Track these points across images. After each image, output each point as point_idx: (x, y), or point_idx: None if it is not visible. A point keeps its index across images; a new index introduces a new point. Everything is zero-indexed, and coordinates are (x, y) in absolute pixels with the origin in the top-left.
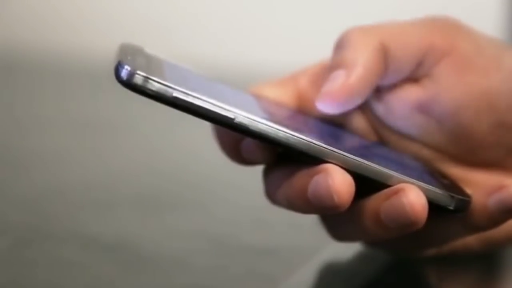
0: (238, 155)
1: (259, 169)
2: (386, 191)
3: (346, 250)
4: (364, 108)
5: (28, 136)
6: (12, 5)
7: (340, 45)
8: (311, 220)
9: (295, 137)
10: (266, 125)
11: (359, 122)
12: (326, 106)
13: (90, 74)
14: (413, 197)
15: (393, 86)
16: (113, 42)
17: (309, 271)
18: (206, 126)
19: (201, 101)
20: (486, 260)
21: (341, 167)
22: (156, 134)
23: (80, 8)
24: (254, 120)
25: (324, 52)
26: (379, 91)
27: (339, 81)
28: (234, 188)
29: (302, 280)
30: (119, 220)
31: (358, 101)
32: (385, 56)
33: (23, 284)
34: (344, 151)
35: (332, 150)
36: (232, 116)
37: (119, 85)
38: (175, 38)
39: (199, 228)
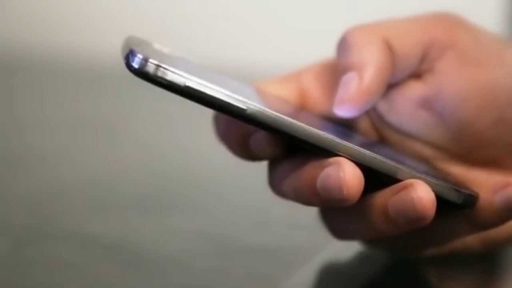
0: (245, 150)
1: (259, 169)
2: (394, 186)
3: (346, 251)
4: None
5: (28, 136)
6: (12, 5)
7: (343, 47)
8: (311, 221)
9: (307, 129)
10: (278, 116)
11: (360, 121)
12: (345, 111)
13: (90, 74)
14: (422, 192)
15: (396, 83)
16: (113, 42)
17: (309, 272)
18: (207, 127)
19: (213, 91)
20: (486, 260)
21: (352, 160)
22: (156, 134)
23: (80, 8)
24: (266, 111)
25: (325, 51)
26: None
27: (353, 84)
28: (234, 188)
29: (302, 280)
30: (119, 220)
31: (375, 100)
32: (391, 53)
33: (23, 284)
34: (354, 145)
35: (344, 144)
36: (244, 107)
37: (119, 85)
38: (175, 38)
39: (199, 229)
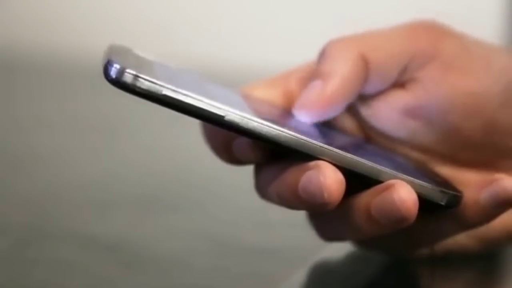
0: (229, 155)
1: None
2: (376, 187)
3: (346, 251)
4: (352, 111)
5: (27, 136)
6: (12, 5)
7: (321, 57)
8: None
9: (286, 134)
10: (257, 122)
11: (348, 124)
12: (302, 115)
13: (90, 74)
14: (403, 193)
15: (380, 92)
16: (112, 42)
17: (309, 272)
18: None
19: (191, 99)
20: (481, 260)
21: (332, 163)
22: (156, 134)
23: (79, 8)
24: (244, 117)
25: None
26: (365, 97)
27: (315, 91)
28: (234, 188)
29: (302, 280)
30: (119, 220)
31: (335, 111)
32: (365, 66)
33: (23, 284)
34: (335, 148)
35: (323, 147)
36: (222, 114)
37: None
38: (174, 38)
39: (199, 229)
